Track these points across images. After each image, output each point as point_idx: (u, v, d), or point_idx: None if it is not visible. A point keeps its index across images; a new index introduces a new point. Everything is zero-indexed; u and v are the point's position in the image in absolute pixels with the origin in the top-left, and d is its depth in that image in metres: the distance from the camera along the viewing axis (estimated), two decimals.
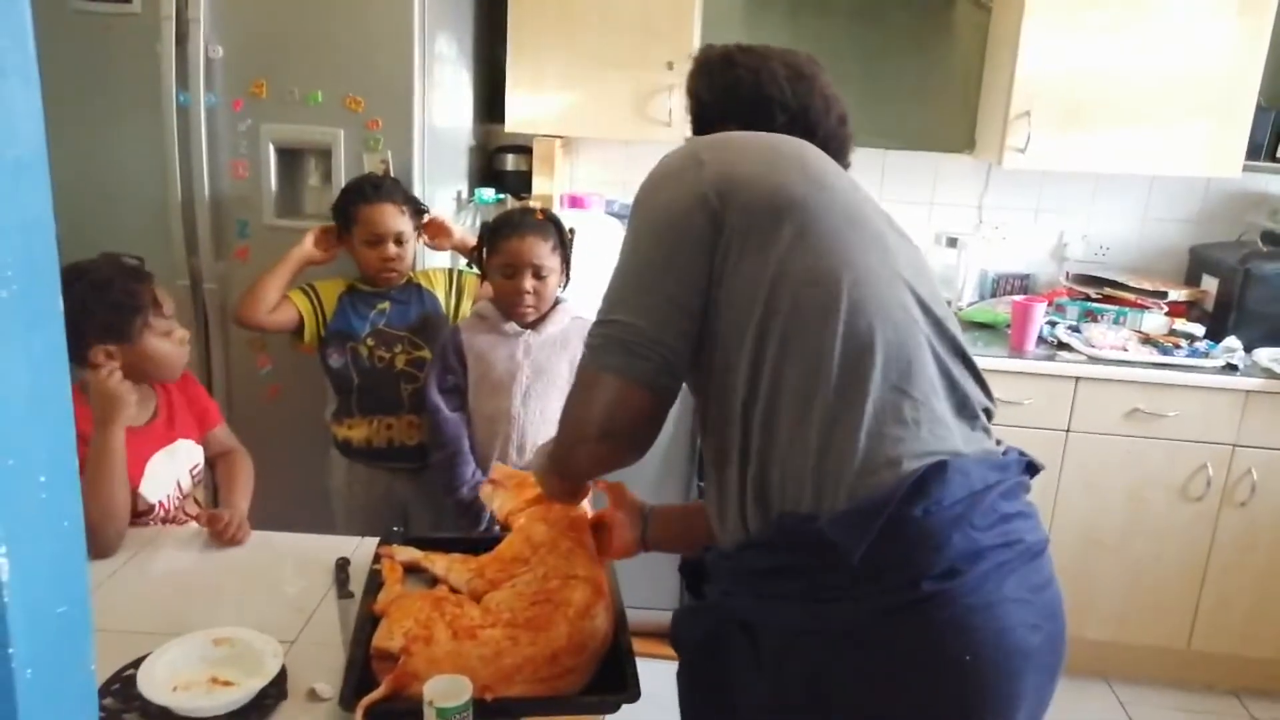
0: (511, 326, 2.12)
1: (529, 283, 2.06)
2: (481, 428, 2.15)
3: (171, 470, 1.78)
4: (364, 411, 2.20)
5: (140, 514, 1.71)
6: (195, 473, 1.84)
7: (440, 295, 2.30)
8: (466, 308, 2.29)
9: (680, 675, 1.24)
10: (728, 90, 1.33)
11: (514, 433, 2.12)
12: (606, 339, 1.11)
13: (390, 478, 2.25)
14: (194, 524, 1.78)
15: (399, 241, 2.18)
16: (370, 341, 2.18)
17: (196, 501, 1.86)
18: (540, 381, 2.12)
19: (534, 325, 2.13)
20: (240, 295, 2.20)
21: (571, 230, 2.21)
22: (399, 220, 2.17)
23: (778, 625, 1.07)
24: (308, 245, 2.21)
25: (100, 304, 1.62)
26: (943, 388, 1.10)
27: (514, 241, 2.06)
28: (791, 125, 1.29)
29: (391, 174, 2.31)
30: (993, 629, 1.00)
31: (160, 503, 1.76)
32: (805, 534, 1.03)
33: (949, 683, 1.00)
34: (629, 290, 1.13)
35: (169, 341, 1.73)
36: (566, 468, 1.24)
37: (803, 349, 1.06)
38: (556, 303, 2.16)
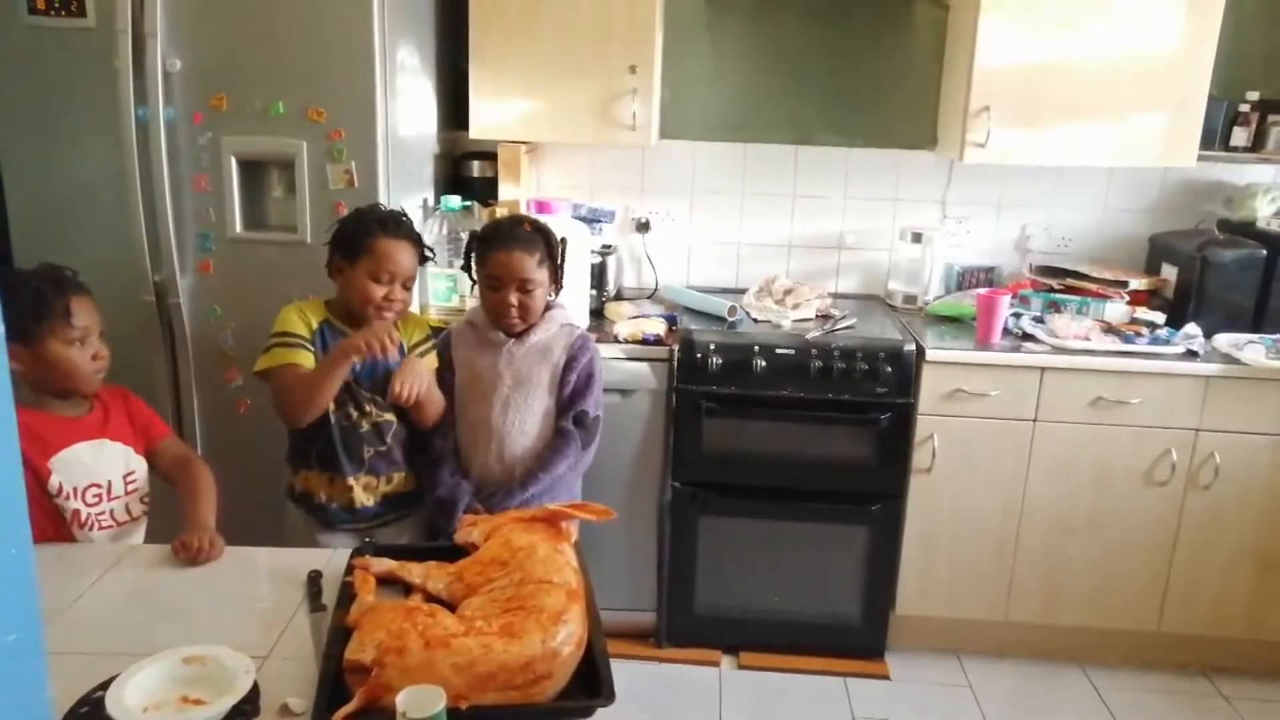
0: (497, 335, 2.11)
1: (514, 296, 2.06)
2: (465, 434, 2.14)
3: (95, 464, 1.77)
4: (323, 466, 2.05)
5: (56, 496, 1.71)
6: (129, 480, 1.82)
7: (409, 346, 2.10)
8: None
9: None
10: None
11: (493, 442, 2.12)
12: None
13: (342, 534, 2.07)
14: (138, 540, 1.80)
15: (406, 285, 2.04)
16: (337, 398, 1.99)
17: (143, 501, 1.85)
18: (520, 391, 2.11)
19: (520, 334, 2.12)
20: (286, 401, 1.98)
21: (563, 240, 2.17)
22: (413, 263, 2.04)
23: None
24: (368, 349, 1.91)
25: (8, 301, 1.61)
26: None
27: (500, 255, 2.06)
28: None
29: (356, 184, 2.30)
30: None
31: (94, 511, 1.75)
32: None
33: None
34: None
35: (74, 350, 1.73)
36: None
37: None
38: (549, 307, 2.14)
